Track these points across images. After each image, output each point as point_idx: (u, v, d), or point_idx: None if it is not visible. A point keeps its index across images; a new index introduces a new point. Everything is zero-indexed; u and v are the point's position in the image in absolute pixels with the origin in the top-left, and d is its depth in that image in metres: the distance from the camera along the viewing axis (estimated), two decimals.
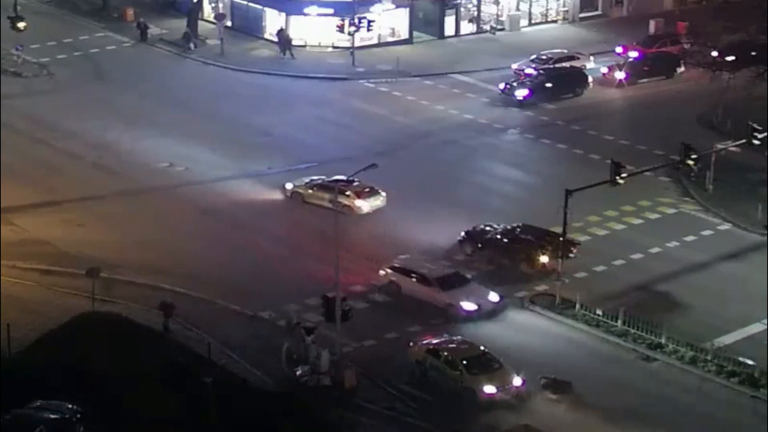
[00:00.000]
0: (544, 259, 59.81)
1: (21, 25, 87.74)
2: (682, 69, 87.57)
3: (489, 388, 49.67)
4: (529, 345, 54.09)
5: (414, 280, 57.09)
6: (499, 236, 61.39)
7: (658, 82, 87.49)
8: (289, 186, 67.88)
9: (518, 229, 61.65)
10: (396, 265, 58.27)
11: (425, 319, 55.66)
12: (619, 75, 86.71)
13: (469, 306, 55.71)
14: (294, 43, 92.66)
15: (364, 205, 65.59)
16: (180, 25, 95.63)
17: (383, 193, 65.87)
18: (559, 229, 57.19)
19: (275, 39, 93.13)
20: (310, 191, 66.91)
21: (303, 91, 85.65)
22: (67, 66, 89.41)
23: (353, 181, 65.00)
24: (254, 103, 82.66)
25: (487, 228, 62.16)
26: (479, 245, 61.44)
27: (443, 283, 56.64)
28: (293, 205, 66.95)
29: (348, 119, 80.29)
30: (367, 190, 65.67)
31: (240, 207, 66.99)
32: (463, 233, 62.11)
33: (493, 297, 56.60)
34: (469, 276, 57.87)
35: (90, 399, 44.81)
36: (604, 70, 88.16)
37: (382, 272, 58.08)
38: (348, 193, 65.03)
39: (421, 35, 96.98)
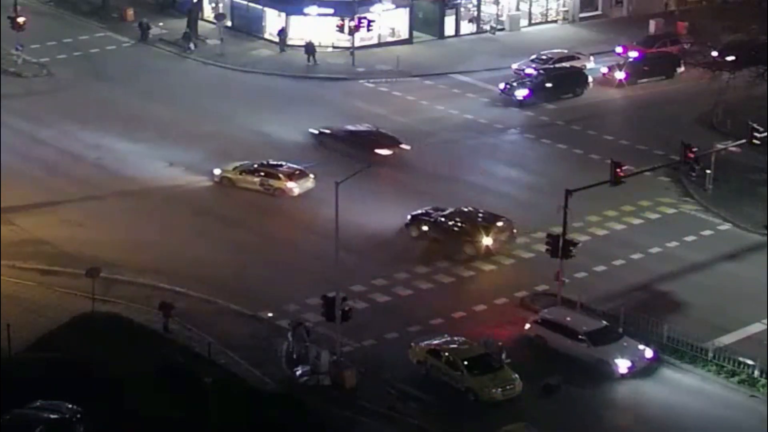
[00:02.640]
0: (487, 241, 60.70)
1: (20, 19, 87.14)
2: (682, 69, 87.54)
3: (493, 389, 49.71)
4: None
5: (562, 334, 53.02)
6: (443, 219, 62.10)
7: (658, 82, 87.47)
8: (217, 171, 68.89)
9: (466, 213, 62.57)
10: (543, 317, 54.10)
11: (425, 319, 55.73)
12: (619, 75, 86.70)
13: (623, 363, 51.58)
14: (294, 43, 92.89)
15: (296, 187, 67.21)
16: (180, 25, 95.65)
17: (312, 175, 67.43)
18: (559, 229, 57.20)
19: (276, 38, 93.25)
20: (240, 176, 68.36)
21: (303, 91, 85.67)
22: (67, 66, 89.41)
23: (281, 164, 68.19)
24: (254, 103, 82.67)
25: (434, 211, 62.98)
26: (425, 228, 62.19)
27: (594, 338, 52.42)
28: (283, 201, 67.00)
29: (348, 119, 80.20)
30: (297, 172, 67.88)
31: (240, 207, 66.98)
32: (409, 216, 62.81)
33: (648, 353, 52.31)
34: (621, 330, 53.53)
35: (90, 399, 44.81)
36: (605, 70, 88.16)
37: (528, 326, 54.17)
38: (279, 176, 67.43)
39: (421, 35, 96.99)
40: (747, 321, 55.81)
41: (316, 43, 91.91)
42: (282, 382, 50.49)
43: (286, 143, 75.54)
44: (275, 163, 69.06)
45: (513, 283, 59.12)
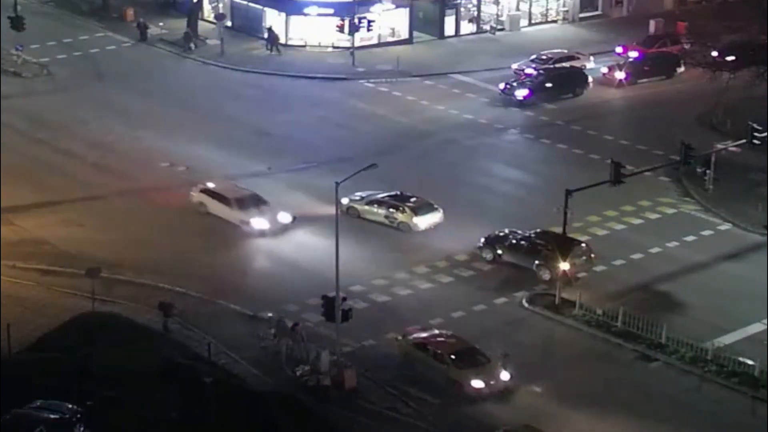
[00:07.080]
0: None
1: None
2: (682, 69, 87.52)
3: (476, 383, 50.01)
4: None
5: (218, 201, 63.76)
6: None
7: (658, 82, 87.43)
8: (344, 201, 64.34)
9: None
10: (204, 188, 64.79)
11: (424, 319, 55.78)
12: (620, 75, 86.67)
13: (260, 223, 62.46)
14: (294, 43, 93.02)
15: (421, 222, 63.70)
16: (180, 25, 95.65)
17: (440, 210, 64.23)
18: (559, 229, 57.23)
19: (265, 36, 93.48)
20: (366, 207, 64.90)
21: (303, 91, 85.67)
22: (67, 66, 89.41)
23: (409, 197, 64.70)
24: (254, 103, 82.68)
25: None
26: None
27: (239, 203, 63.09)
28: (289, 204, 67.02)
29: (348, 119, 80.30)
30: (424, 206, 64.21)
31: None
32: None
33: (285, 218, 62.80)
34: (266, 200, 63.76)
35: (90, 399, 44.83)
36: (605, 70, 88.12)
37: (192, 194, 65.61)
38: (405, 209, 63.95)
39: (421, 35, 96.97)
40: (747, 321, 55.85)
41: (315, 43, 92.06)
42: (282, 382, 50.50)
43: (288, 143, 75.60)
44: (405, 195, 65.14)
45: (513, 284, 59.16)
